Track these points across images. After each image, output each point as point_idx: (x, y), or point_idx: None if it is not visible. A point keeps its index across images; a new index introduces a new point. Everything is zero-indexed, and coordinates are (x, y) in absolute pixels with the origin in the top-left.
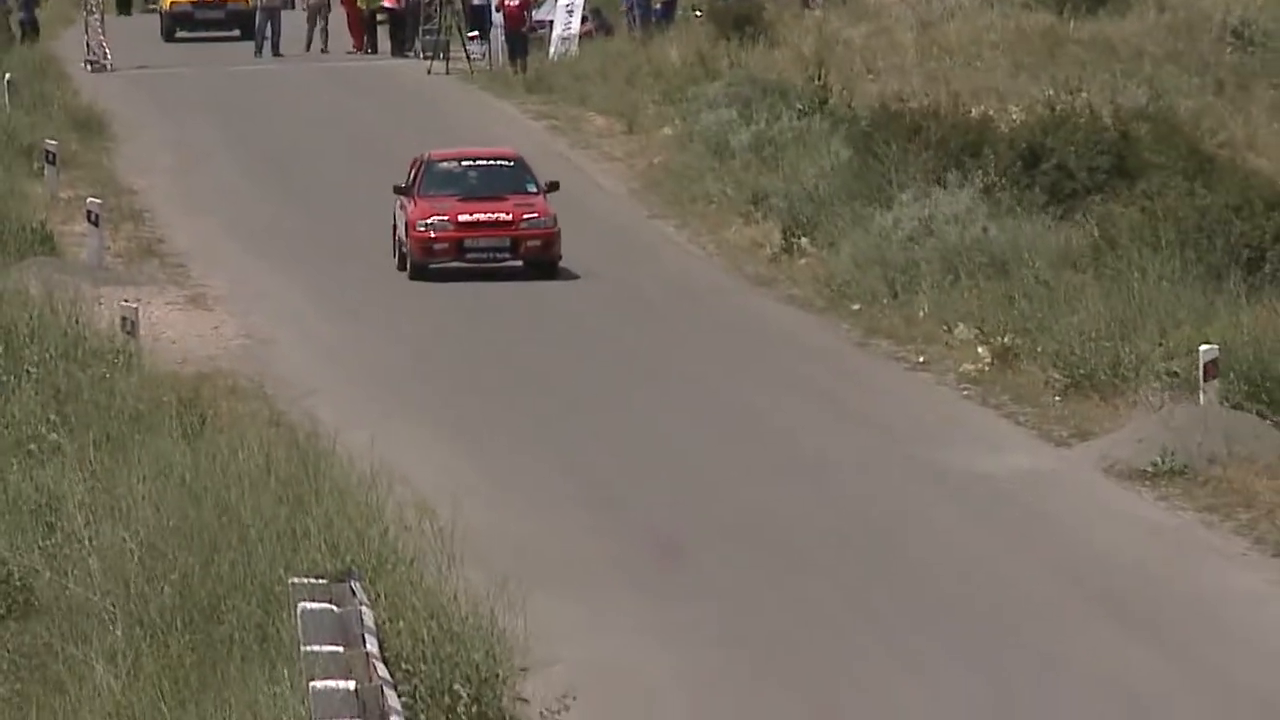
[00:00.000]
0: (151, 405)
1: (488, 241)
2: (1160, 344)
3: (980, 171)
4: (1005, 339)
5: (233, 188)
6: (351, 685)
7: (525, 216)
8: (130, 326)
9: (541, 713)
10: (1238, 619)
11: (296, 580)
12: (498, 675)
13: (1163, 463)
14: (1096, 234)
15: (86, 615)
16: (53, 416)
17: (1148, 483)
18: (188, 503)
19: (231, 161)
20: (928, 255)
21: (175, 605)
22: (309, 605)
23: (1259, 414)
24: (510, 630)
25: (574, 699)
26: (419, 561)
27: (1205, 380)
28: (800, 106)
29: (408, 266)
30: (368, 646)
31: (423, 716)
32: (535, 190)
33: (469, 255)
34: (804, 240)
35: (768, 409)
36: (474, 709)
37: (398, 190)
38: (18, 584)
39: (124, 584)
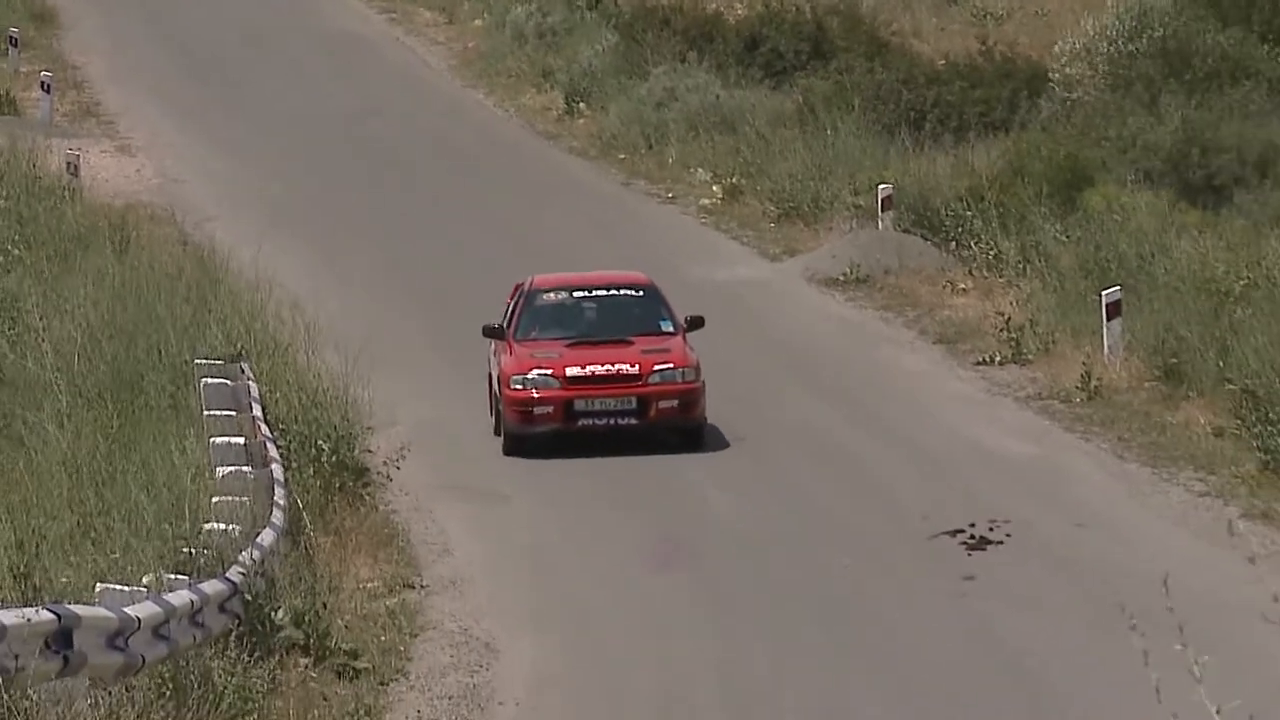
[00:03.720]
0: (90, 229)
1: (605, 403)
2: (849, 184)
3: (714, 53)
4: (733, 180)
5: (152, 65)
6: (242, 440)
7: (657, 367)
8: (74, 169)
9: (385, 461)
10: (906, 389)
11: (199, 361)
12: (351, 433)
13: (851, 273)
14: (801, 101)
15: (41, 388)
16: (16, 237)
17: (839, 288)
18: (117, 303)
19: (152, 45)
20: (675, 116)
21: (107, 380)
22: (209, 380)
23: (922, 236)
24: (360, 399)
25: (408, 450)
26: (292, 347)
27: (882, 211)
28: (580, 4)
29: (503, 435)
30: (254, 412)
31: (294, 464)
32: (672, 330)
33: (581, 421)
34: (582, 105)
35: (555, 234)
36: (334, 459)
37: (489, 332)
38: None
39: (69, 364)
